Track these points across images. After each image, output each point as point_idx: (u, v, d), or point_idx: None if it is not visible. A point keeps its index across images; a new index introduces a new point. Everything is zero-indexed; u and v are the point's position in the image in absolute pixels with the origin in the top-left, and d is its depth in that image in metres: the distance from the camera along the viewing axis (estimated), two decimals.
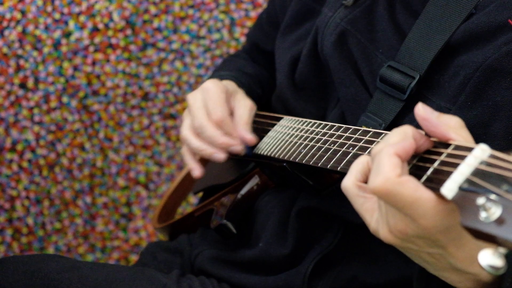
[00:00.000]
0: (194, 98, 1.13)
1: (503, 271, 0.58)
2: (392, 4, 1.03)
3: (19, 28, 1.77)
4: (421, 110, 0.68)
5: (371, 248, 1.03)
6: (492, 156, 0.59)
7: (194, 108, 1.12)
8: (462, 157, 0.61)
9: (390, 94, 0.97)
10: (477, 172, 0.59)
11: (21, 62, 1.79)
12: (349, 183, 0.72)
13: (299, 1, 1.17)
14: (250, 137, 1.10)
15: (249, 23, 1.84)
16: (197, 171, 1.16)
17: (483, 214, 0.56)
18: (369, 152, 0.79)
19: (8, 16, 1.76)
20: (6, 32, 1.77)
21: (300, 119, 1.06)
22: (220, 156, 1.09)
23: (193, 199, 1.91)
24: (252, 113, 1.14)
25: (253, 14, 1.84)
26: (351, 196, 0.72)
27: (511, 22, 0.90)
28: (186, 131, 1.14)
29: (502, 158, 0.58)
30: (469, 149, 0.62)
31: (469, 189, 0.59)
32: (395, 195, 0.64)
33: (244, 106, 1.13)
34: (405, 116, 0.96)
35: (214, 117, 1.09)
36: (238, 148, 1.09)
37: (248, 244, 1.12)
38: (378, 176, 0.64)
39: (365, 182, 0.71)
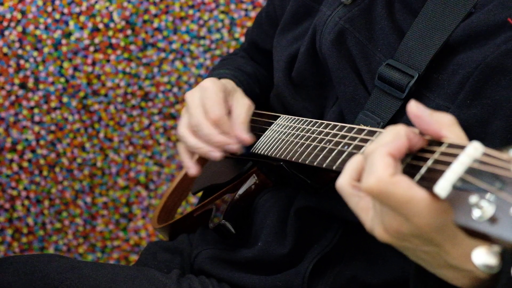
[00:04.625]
0: (192, 97, 1.13)
1: (497, 270, 0.58)
2: (391, 2, 1.02)
3: (19, 28, 1.78)
4: (414, 107, 0.67)
5: (370, 248, 1.02)
6: (485, 154, 0.59)
7: (191, 106, 1.12)
8: (455, 155, 0.61)
9: (389, 92, 0.97)
10: (470, 171, 0.59)
11: (21, 62, 1.80)
12: (343, 183, 0.71)
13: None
14: (246, 137, 1.10)
15: (249, 23, 1.84)
16: (192, 169, 1.16)
17: (476, 213, 0.56)
18: (363, 151, 0.79)
19: (8, 16, 1.76)
20: (6, 32, 1.77)
21: (297, 117, 1.06)
22: (216, 154, 1.09)
23: (193, 199, 1.91)
24: (250, 112, 1.14)
25: (253, 14, 1.84)
26: (345, 195, 0.72)
27: (511, 21, 0.89)
28: (183, 129, 1.14)
29: (495, 156, 0.57)
30: (462, 147, 0.61)
31: (462, 188, 0.58)
32: (388, 195, 0.64)
33: (242, 105, 1.13)
34: (403, 115, 0.96)
35: (211, 116, 1.09)
36: (234, 147, 1.09)
37: (247, 244, 1.11)
38: (370, 176, 0.64)
39: (359, 181, 0.71)
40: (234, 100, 1.14)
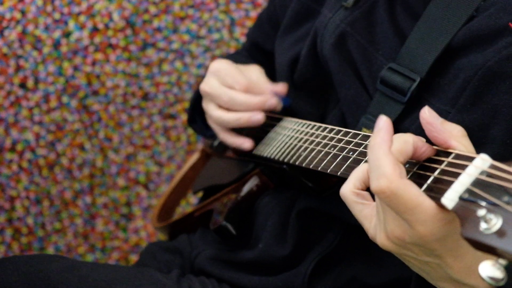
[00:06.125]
0: (209, 83, 1.15)
1: (503, 283, 0.58)
2: (392, 5, 1.02)
3: (19, 28, 1.77)
4: (427, 114, 0.68)
5: (371, 249, 1.02)
6: (493, 167, 0.59)
7: (214, 90, 1.14)
8: (463, 167, 0.61)
9: (391, 96, 0.97)
10: (478, 183, 0.59)
11: (21, 62, 1.79)
12: (347, 191, 0.72)
13: (299, 1, 1.17)
14: (279, 87, 1.13)
15: (249, 23, 1.84)
16: (247, 143, 1.15)
17: (483, 225, 0.56)
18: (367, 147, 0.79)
19: (8, 16, 1.76)
20: (6, 32, 1.77)
21: (301, 121, 1.06)
22: (259, 116, 1.11)
23: (193, 199, 1.91)
24: (263, 73, 1.18)
25: (253, 14, 1.84)
26: (349, 203, 0.72)
27: None
28: (215, 112, 1.15)
29: (503, 168, 0.57)
30: (470, 159, 0.61)
31: (469, 200, 0.58)
32: (398, 197, 0.64)
33: (254, 70, 1.18)
34: (405, 119, 0.96)
35: (241, 85, 1.12)
36: (273, 100, 1.12)
37: (248, 245, 1.12)
38: (381, 177, 0.64)
39: (363, 190, 0.72)
40: (244, 70, 1.17)
